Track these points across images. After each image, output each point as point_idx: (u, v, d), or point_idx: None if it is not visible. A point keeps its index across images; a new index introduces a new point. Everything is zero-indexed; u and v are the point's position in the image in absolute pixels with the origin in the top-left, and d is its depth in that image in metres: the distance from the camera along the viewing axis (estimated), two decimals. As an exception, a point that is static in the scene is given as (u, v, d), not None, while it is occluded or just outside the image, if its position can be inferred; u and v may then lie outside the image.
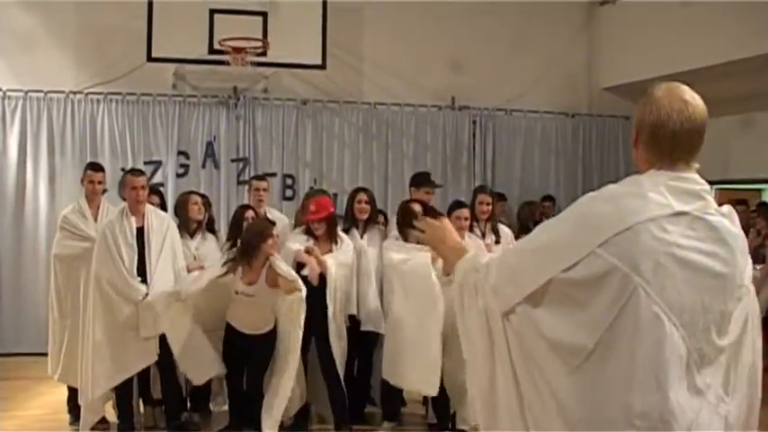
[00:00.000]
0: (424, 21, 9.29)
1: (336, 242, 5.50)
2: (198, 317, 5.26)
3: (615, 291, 1.73)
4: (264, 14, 8.17)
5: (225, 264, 5.19)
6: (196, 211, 5.75)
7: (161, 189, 7.33)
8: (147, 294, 5.11)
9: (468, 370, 2.14)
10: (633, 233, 1.74)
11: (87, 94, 8.46)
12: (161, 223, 5.36)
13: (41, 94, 8.33)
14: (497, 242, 5.85)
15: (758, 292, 7.28)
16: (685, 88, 1.96)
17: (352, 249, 5.57)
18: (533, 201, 8.73)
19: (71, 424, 5.58)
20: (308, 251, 5.35)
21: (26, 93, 8.28)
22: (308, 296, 5.05)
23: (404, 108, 9.39)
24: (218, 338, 5.33)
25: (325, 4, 8.36)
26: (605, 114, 9.91)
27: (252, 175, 8.17)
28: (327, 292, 5.32)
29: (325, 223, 5.47)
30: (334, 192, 8.58)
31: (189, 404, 5.74)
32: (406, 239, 5.43)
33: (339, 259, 5.43)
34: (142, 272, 5.20)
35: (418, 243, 4.96)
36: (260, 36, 8.08)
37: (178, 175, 8.67)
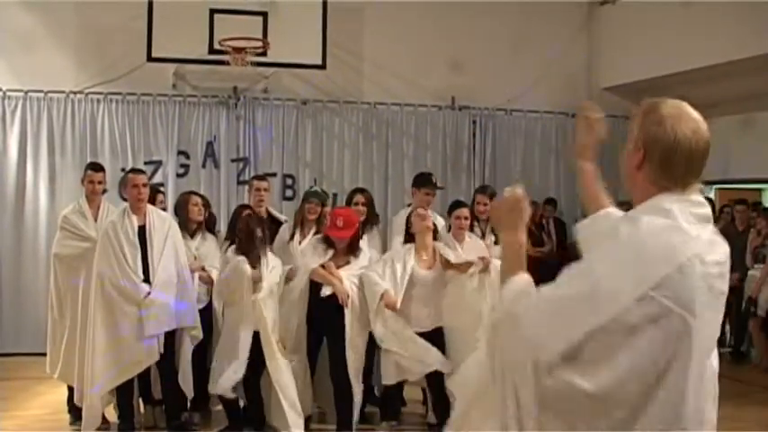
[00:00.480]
0: (424, 21, 9.30)
1: (356, 255, 5.46)
2: None
3: (669, 333, 1.66)
4: (264, 14, 8.17)
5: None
6: (196, 213, 5.75)
7: (161, 189, 7.33)
8: (149, 293, 5.12)
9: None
10: (682, 273, 1.67)
11: (87, 94, 8.46)
12: (163, 223, 5.36)
13: (41, 94, 8.33)
14: (497, 242, 5.85)
15: (758, 292, 7.28)
16: (688, 105, 1.90)
17: (368, 260, 5.55)
18: (534, 201, 8.74)
19: (71, 424, 5.58)
20: (323, 268, 5.35)
21: (26, 93, 8.29)
22: (321, 299, 5.21)
23: (404, 108, 9.40)
24: None
25: (325, 4, 8.36)
26: (605, 114, 9.84)
27: (252, 175, 8.17)
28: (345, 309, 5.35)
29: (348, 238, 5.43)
30: (334, 192, 8.60)
31: (189, 404, 5.73)
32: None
33: (355, 272, 5.42)
34: (145, 271, 5.20)
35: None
36: (260, 36, 8.08)
37: (178, 175, 8.67)
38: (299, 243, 5.76)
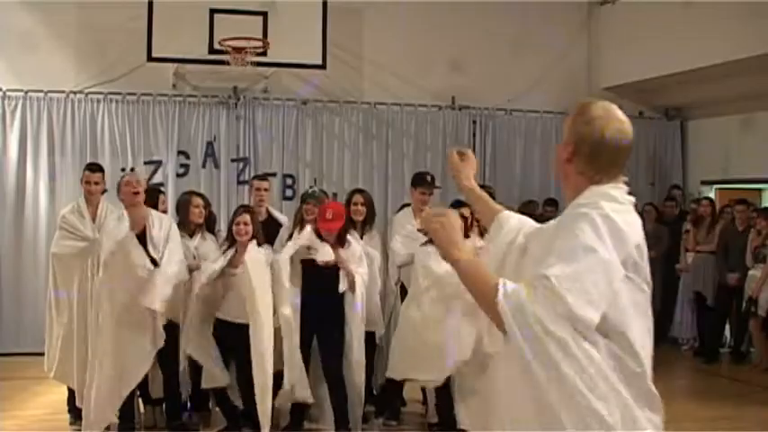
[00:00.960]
0: (424, 21, 9.30)
1: (343, 245, 5.45)
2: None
3: (635, 292, 2.03)
4: (264, 14, 8.16)
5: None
6: (197, 215, 5.73)
7: (161, 189, 7.32)
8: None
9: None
10: (639, 250, 2.03)
11: (87, 94, 8.46)
12: (161, 226, 5.36)
13: (41, 94, 8.33)
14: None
15: (759, 293, 7.28)
16: (616, 107, 2.14)
17: (361, 251, 5.54)
18: (533, 200, 8.75)
19: (71, 424, 5.59)
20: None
21: (26, 93, 8.29)
22: (316, 293, 5.22)
23: (404, 108, 9.40)
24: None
25: (325, 4, 8.35)
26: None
27: (252, 175, 8.17)
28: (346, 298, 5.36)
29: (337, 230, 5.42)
30: (334, 192, 8.60)
31: (189, 404, 5.74)
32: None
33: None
34: None
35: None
36: (260, 36, 8.07)
37: (178, 175, 8.68)
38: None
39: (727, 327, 8.73)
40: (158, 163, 8.61)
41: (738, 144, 9.45)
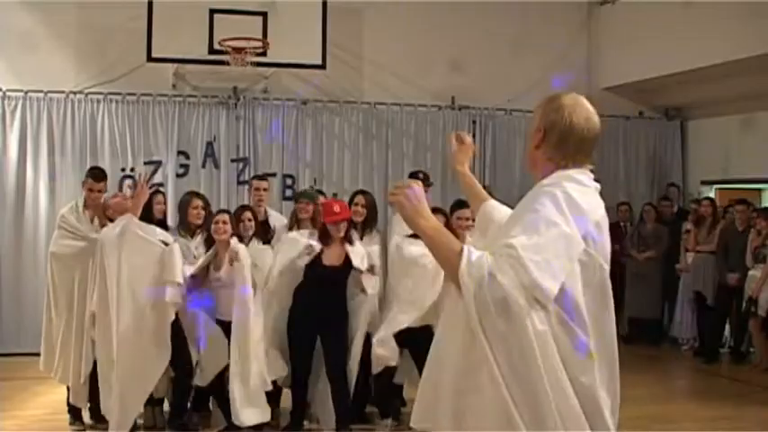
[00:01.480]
0: (424, 21, 9.30)
1: (351, 242, 5.45)
2: None
3: (594, 269, 2.09)
4: (264, 14, 8.17)
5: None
6: (194, 216, 5.73)
7: (161, 189, 7.33)
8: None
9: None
10: (599, 227, 2.11)
11: (87, 94, 8.46)
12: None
13: (41, 94, 8.33)
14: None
15: (759, 293, 7.27)
16: (584, 98, 2.25)
17: (363, 252, 5.53)
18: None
19: (71, 424, 5.59)
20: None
21: (26, 93, 8.29)
22: (320, 294, 5.26)
23: (404, 108, 9.40)
24: None
25: (325, 4, 8.35)
26: (605, 114, 9.82)
27: (252, 175, 8.17)
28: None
29: (346, 223, 5.42)
30: (334, 192, 8.59)
31: (189, 404, 5.74)
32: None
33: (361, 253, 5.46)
34: None
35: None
36: (260, 36, 8.08)
37: (178, 176, 8.67)
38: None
39: (728, 327, 8.73)
40: (158, 163, 8.61)
41: (738, 144, 9.45)
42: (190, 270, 5.26)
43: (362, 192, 6.21)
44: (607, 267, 2.11)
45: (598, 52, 10.07)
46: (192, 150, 8.75)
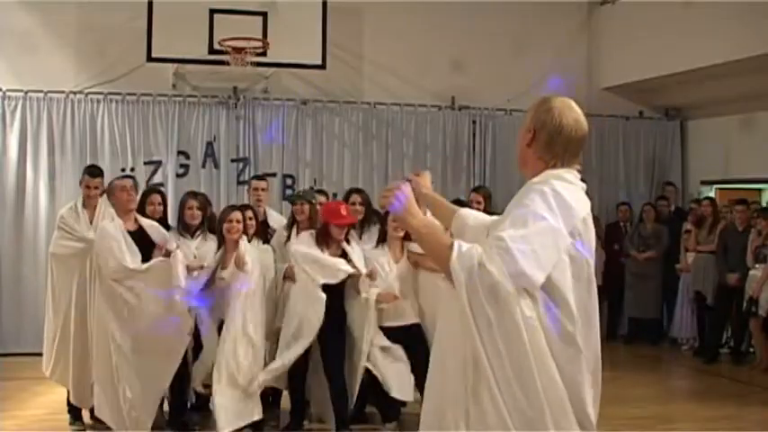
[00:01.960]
0: (424, 21, 9.30)
1: (349, 243, 5.46)
2: None
3: (581, 264, 2.18)
4: (264, 14, 8.17)
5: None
6: (189, 216, 5.74)
7: (161, 189, 7.32)
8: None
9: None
10: (585, 224, 2.21)
11: (87, 94, 8.46)
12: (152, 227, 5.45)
13: (41, 94, 8.33)
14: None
15: (759, 292, 7.28)
16: (573, 102, 2.38)
17: (361, 251, 5.53)
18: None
19: (71, 424, 5.59)
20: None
21: (26, 93, 8.29)
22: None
23: (404, 108, 9.40)
24: None
25: (325, 4, 8.35)
26: (605, 114, 9.90)
27: (252, 175, 8.17)
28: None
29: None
30: (334, 192, 8.58)
31: (189, 404, 5.74)
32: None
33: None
34: None
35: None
36: (260, 36, 8.08)
37: (178, 175, 8.68)
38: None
39: (728, 327, 8.73)
40: (158, 163, 8.61)
41: (738, 144, 9.45)
42: (203, 276, 5.28)
43: (358, 190, 6.21)
44: (592, 262, 2.20)
45: (598, 52, 10.07)
46: (192, 150, 8.75)
